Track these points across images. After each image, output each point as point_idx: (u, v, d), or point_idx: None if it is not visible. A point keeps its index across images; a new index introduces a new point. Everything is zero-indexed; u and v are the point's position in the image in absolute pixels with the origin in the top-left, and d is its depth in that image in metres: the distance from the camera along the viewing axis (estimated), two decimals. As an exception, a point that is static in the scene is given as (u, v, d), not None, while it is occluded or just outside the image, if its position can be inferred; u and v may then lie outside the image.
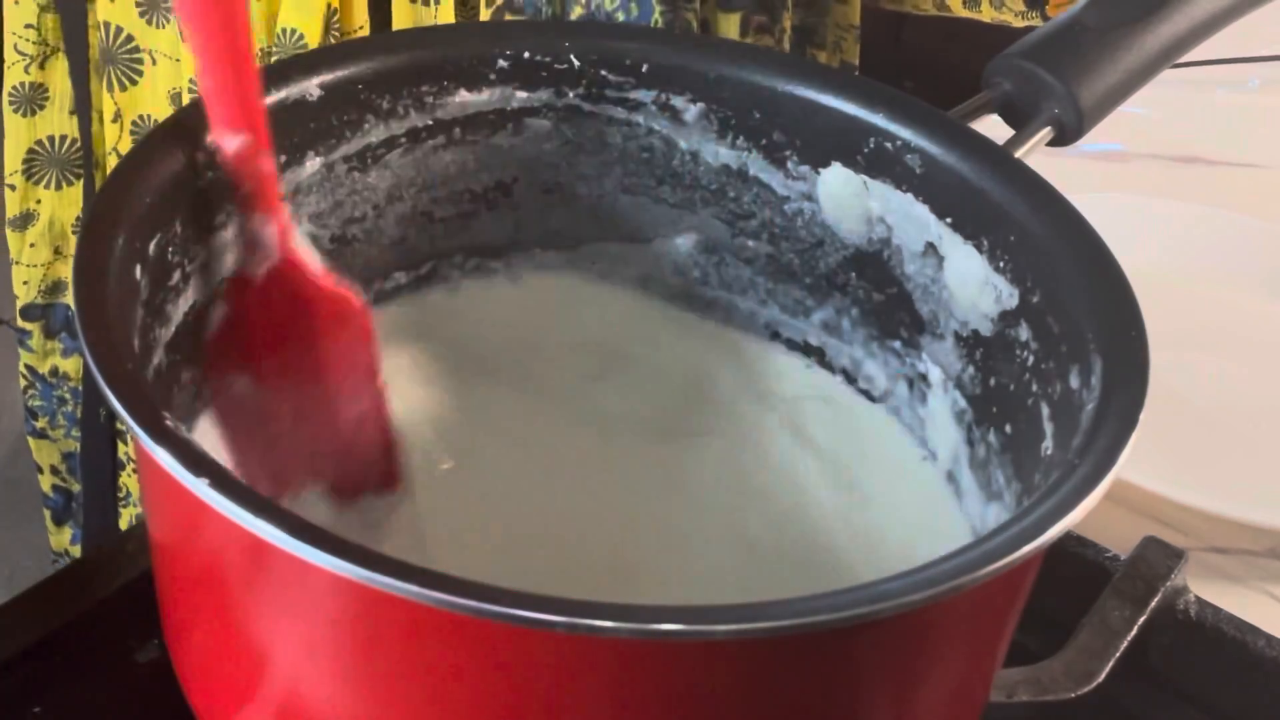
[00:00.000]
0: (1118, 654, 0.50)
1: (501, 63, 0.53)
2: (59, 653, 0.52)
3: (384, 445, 0.50)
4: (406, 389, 0.54)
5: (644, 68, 0.54)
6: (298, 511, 0.34)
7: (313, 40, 0.72)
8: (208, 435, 0.47)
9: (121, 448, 0.91)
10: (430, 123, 0.53)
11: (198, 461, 0.35)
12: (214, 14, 0.41)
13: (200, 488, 0.34)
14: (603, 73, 0.54)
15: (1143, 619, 0.52)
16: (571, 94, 0.54)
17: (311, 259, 0.46)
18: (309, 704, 0.39)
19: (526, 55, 0.53)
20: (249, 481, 0.36)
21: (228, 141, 0.43)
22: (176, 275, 0.45)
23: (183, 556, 0.41)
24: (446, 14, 0.74)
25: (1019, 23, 0.87)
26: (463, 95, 0.53)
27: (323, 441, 0.49)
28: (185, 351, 0.46)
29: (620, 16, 0.77)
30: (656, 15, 0.77)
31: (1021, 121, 0.54)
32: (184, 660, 0.44)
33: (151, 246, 0.43)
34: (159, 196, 0.44)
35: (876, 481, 0.55)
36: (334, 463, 0.49)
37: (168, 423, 0.35)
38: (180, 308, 0.46)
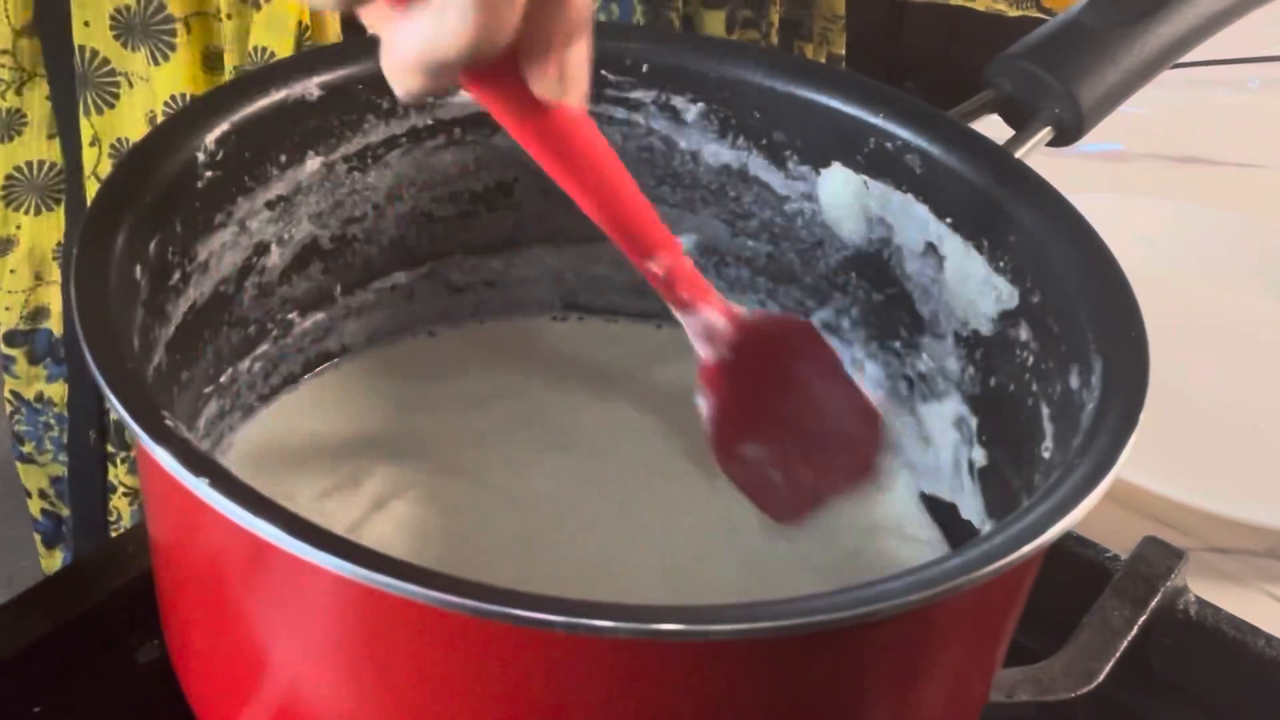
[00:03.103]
0: (1118, 654, 0.50)
1: (502, 62, 0.53)
2: (59, 653, 0.52)
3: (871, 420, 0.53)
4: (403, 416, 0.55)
5: (644, 68, 0.54)
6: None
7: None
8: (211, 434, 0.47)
9: (111, 471, 0.90)
10: (430, 122, 0.53)
11: (197, 461, 0.35)
12: (590, 184, 0.44)
13: (200, 487, 0.34)
14: (603, 73, 0.54)
15: (1143, 619, 0.52)
16: (572, 94, 0.54)
17: (748, 312, 0.50)
18: (308, 704, 0.39)
19: (526, 55, 0.53)
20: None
21: (653, 265, 0.47)
22: (176, 275, 0.45)
23: (183, 556, 0.41)
24: None
25: (1013, 11, 0.86)
26: (463, 95, 0.53)
27: (828, 448, 0.53)
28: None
29: (601, 18, 0.77)
30: (638, 15, 0.77)
31: (1022, 121, 0.54)
32: (184, 660, 0.44)
33: (151, 246, 0.43)
34: (159, 196, 0.44)
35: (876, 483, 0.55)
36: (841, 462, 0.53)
37: (168, 423, 0.35)
38: (180, 307, 0.46)
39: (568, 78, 0.38)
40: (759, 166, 0.55)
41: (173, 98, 0.73)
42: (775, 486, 0.53)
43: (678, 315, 0.49)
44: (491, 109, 0.40)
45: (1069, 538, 0.56)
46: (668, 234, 0.47)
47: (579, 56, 0.38)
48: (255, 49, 0.71)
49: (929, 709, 0.41)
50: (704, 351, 0.50)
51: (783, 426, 0.53)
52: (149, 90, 0.74)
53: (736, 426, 0.52)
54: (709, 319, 0.49)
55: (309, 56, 0.54)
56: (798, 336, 0.52)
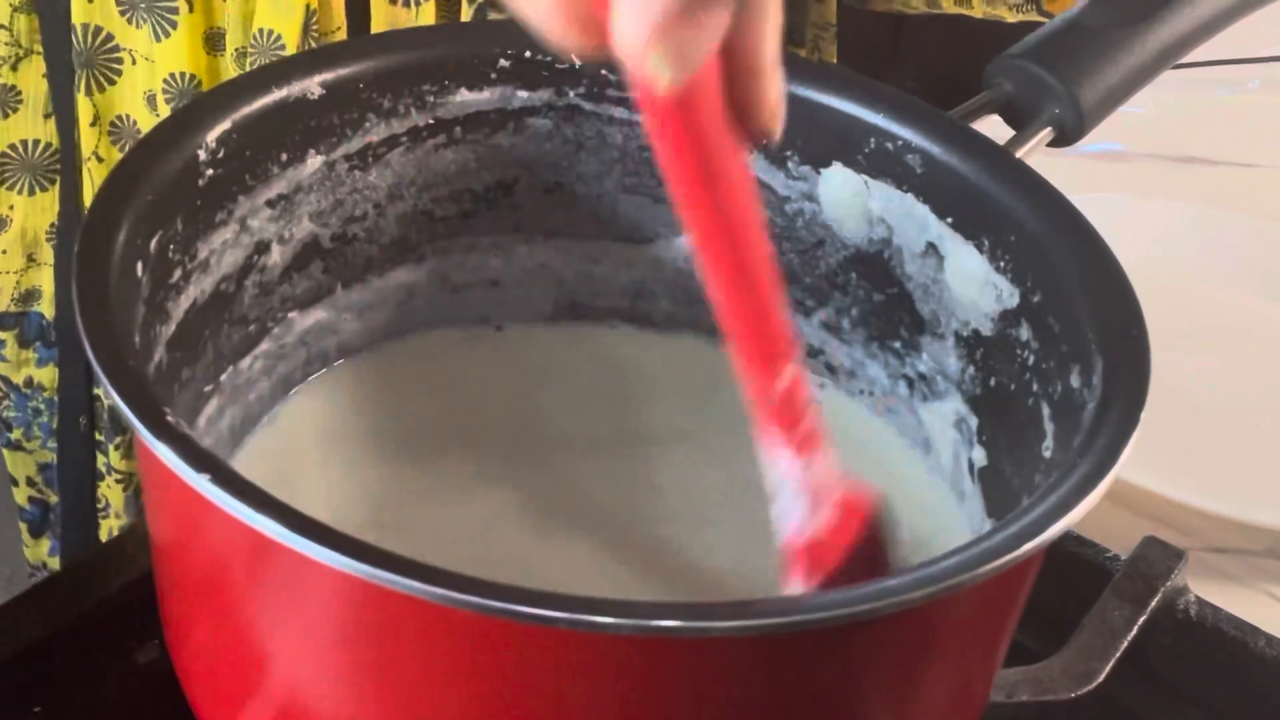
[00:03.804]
0: (1118, 654, 0.50)
1: (503, 62, 0.53)
2: (59, 653, 0.52)
3: None
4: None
5: (645, 67, 0.54)
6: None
7: (290, 42, 0.71)
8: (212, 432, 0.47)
9: (100, 458, 0.89)
10: (431, 122, 0.53)
11: (199, 457, 0.35)
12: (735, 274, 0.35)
13: (202, 484, 0.34)
14: (604, 72, 0.54)
15: (1143, 619, 0.52)
16: (572, 93, 0.54)
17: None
18: (310, 702, 0.39)
19: (528, 54, 0.53)
20: None
21: (777, 382, 0.37)
22: (177, 273, 0.45)
23: (183, 554, 0.41)
24: (427, 16, 0.73)
25: (1012, 16, 0.86)
26: (464, 94, 0.53)
27: None
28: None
29: None
30: None
31: (1022, 122, 0.54)
32: (184, 660, 0.44)
33: (153, 244, 0.43)
34: (160, 194, 0.44)
35: (875, 483, 0.55)
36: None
37: (169, 419, 0.35)
38: (181, 305, 0.46)
39: (775, 107, 0.33)
40: (759, 167, 0.55)
41: (171, 77, 0.73)
42: None
43: (780, 459, 0.37)
44: (665, 137, 0.33)
45: (1069, 538, 0.57)
46: (790, 332, 0.37)
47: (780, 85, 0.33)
48: (261, 31, 0.71)
49: (929, 708, 0.41)
50: (805, 519, 0.38)
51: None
52: (150, 68, 0.74)
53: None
54: (822, 469, 0.37)
55: (310, 56, 0.54)
56: (871, 514, 0.41)
